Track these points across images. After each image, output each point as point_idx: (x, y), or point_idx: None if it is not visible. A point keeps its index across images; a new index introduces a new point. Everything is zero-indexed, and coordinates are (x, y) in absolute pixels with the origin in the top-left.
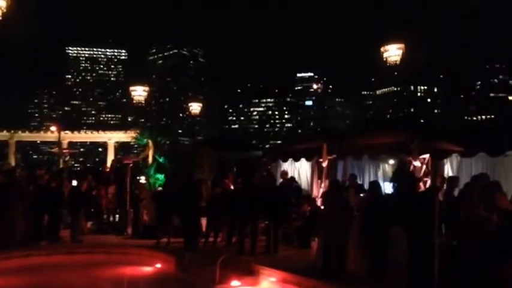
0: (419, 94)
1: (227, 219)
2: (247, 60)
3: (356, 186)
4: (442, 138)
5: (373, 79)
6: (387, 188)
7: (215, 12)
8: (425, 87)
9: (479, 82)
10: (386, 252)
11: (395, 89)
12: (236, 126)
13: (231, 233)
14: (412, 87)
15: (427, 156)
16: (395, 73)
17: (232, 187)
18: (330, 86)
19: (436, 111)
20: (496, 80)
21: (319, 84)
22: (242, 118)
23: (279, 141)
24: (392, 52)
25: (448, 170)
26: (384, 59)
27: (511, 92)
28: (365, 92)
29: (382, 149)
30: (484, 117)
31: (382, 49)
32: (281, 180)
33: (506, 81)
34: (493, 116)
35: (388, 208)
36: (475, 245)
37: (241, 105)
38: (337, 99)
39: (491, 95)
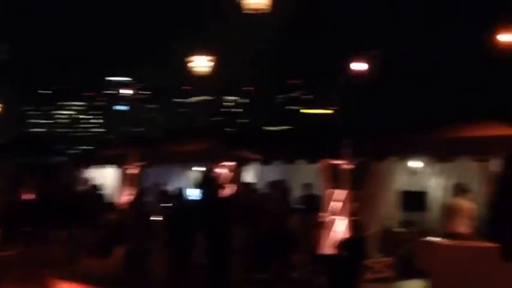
0: (230, 104)
1: (25, 230)
2: (55, 60)
3: (161, 193)
4: (245, 146)
5: (187, 87)
6: (195, 194)
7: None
8: (236, 98)
9: (281, 96)
10: (191, 256)
11: (208, 98)
12: (39, 129)
13: (29, 244)
14: (224, 97)
15: (232, 163)
16: (208, 83)
17: (31, 195)
18: (143, 92)
19: (244, 121)
20: (294, 94)
21: (132, 89)
22: (47, 121)
23: (86, 147)
24: (200, 63)
25: (250, 177)
26: (191, 69)
27: (304, 106)
28: (178, 100)
29: (191, 156)
30: (282, 127)
31: (187, 59)
32: (84, 187)
33: (302, 95)
34: (290, 127)
35: (194, 214)
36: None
37: (46, 107)
38: (149, 106)
39: (290, 107)
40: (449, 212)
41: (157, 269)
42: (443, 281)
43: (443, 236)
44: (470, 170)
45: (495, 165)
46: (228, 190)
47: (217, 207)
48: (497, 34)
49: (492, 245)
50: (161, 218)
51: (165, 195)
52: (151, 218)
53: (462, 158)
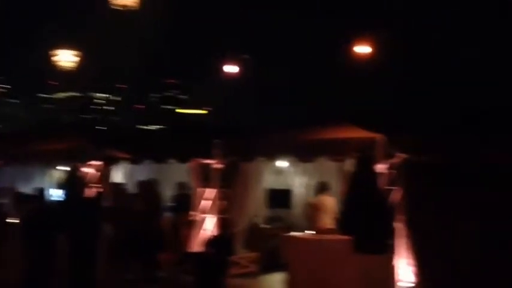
0: (100, 101)
1: None
2: None
3: (19, 195)
4: (114, 145)
5: (52, 82)
6: (58, 194)
7: None
8: (108, 95)
9: (155, 95)
10: (53, 260)
11: (76, 94)
12: None
13: None
14: (95, 94)
15: (100, 162)
16: (75, 78)
17: None
18: (3, 86)
19: (115, 119)
20: (169, 94)
21: None
22: None
23: None
24: (65, 58)
25: (119, 177)
26: (56, 64)
27: (179, 105)
28: (43, 95)
29: (54, 154)
30: (156, 126)
31: (51, 53)
32: None
33: (177, 95)
34: (163, 126)
35: (56, 215)
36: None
37: None
38: (10, 100)
39: (164, 106)
40: (313, 208)
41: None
42: (301, 273)
43: (308, 231)
44: (330, 170)
45: (350, 164)
46: (95, 190)
47: (82, 207)
48: (354, 45)
49: (345, 237)
50: (18, 221)
51: (22, 196)
52: (7, 220)
53: (321, 158)
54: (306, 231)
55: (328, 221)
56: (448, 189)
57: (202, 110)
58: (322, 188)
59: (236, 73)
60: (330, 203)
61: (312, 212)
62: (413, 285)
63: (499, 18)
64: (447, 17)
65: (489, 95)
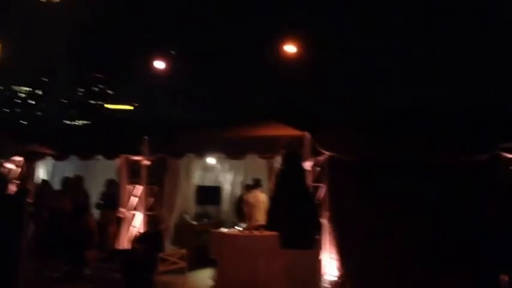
0: (22, 95)
1: None
2: None
3: None
4: (36, 140)
5: None
6: None
7: None
8: (30, 89)
9: (82, 89)
10: None
11: None
12: None
13: None
14: (15, 87)
15: (21, 158)
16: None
17: None
18: None
19: (39, 113)
20: (96, 89)
21: None
22: None
23: None
24: None
25: (43, 173)
26: None
27: (106, 100)
28: None
29: None
30: (82, 122)
31: None
32: None
33: (104, 90)
34: (89, 122)
35: None
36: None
37: None
38: None
39: (91, 102)
40: (249, 204)
41: None
42: (228, 269)
43: (238, 227)
44: (259, 167)
45: (278, 161)
46: (16, 186)
47: (4, 205)
48: (283, 44)
49: (273, 233)
50: None
51: None
52: None
53: (250, 155)
54: (236, 228)
55: (261, 217)
56: (370, 185)
57: (130, 105)
58: (255, 185)
59: (164, 69)
60: (264, 199)
61: (248, 208)
62: (336, 278)
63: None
64: (371, 17)
65: (409, 97)
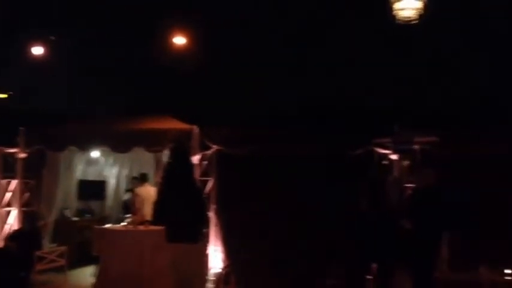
0: None
1: None
2: None
3: None
4: None
5: None
6: None
7: None
8: None
9: None
10: None
11: None
12: None
13: None
14: None
15: None
16: None
17: None
18: None
19: None
20: None
21: None
22: None
23: None
24: None
25: None
26: None
27: None
28: None
29: None
30: None
31: None
32: None
33: None
34: None
35: None
36: None
37: None
38: None
39: None
40: (139, 199)
41: None
42: (112, 265)
43: (124, 223)
44: (147, 160)
45: (166, 155)
46: None
47: None
48: (172, 37)
49: (158, 227)
50: None
51: None
52: None
53: (136, 148)
54: (121, 223)
55: (149, 211)
56: (256, 179)
57: (4, 93)
58: (141, 179)
59: (44, 55)
60: (153, 193)
61: (139, 202)
62: (221, 271)
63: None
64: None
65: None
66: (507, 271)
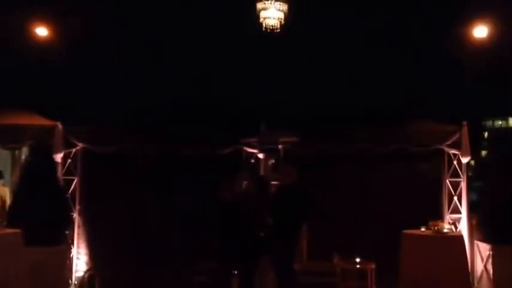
0: None
1: None
2: None
3: None
4: None
5: None
6: None
7: None
8: None
9: None
10: None
11: None
12: None
13: None
14: None
15: None
16: None
17: None
18: None
19: None
20: None
21: None
22: None
23: None
24: None
25: None
26: None
27: None
28: None
29: None
30: None
31: None
32: None
33: None
34: None
35: None
36: None
37: None
38: None
39: None
40: None
41: None
42: None
43: None
44: (2, 158)
45: (24, 153)
46: None
47: None
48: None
49: (14, 230)
50: None
51: None
52: None
53: None
54: None
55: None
56: (121, 179)
57: None
58: None
59: None
60: (6, 193)
61: None
62: (84, 273)
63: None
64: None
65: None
66: (357, 259)
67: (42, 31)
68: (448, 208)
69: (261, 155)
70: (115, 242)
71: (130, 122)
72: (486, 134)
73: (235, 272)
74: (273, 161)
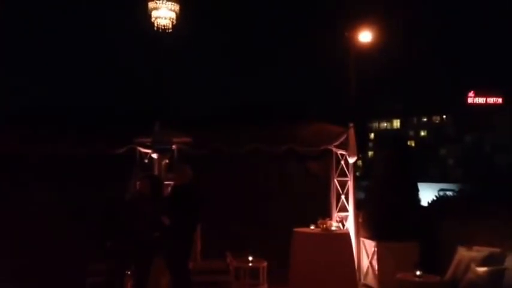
0: None
1: None
2: None
3: None
4: None
5: None
6: None
7: None
8: None
9: None
10: None
11: None
12: None
13: None
14: None
15: None
16: None
17: None
18: None
19: None
20: None
21: None
22: None
23: None
24: None
25: None
26: None
27: None
28: None
29: None
30: None
31: None
32: None
33: None
34: None
35: None
36: None
37: None
38: None
39: None
40: None
41: None
42: None
43: None
44: None
45: None
46: None
47: None
48: None
49: None
50: None
51: None
52: None
53: None
54: None
55: None
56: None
57: None
58: None
59: None
60: None
61: None
62: None
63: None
64: None
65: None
66: (250, 258)
67: None
68: (336, 207)
69: (154, 155)
70: (8, 243)
71: (22, 121)
72: (372, 135)
73: (129, 273)
74: (167, 160)
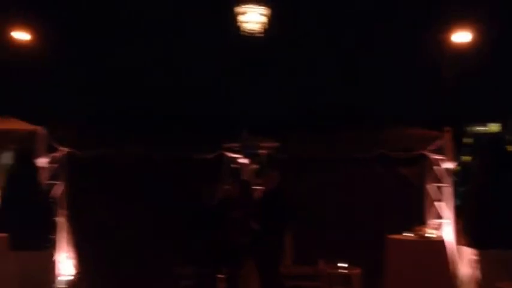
0: None
1: None
2: None
3: None
4: None
5: None
6: None
7: None
8: None
9: None
10: None
11: None
12: None
13: None
14: None
15: None
16: None
17: None
18: None
19: None
20: None
21: None
22: None
23: None
24: None
25: None
26: None
27: None
28: None
29: None
30: None
31: None
32: None
33: None
34: None
35: None
36: None
37: None
38: None
39: None
40: None
41: None
42: None
43: None
44: None
45: (8, 158)
46: None
47: None
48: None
49: (1, 235)
50: None
51: None
52: None
53: None
54: None
55: None
56: (109, 182)
57: None
58: None
59: None
60: None
61: None
62: (72, 277)
63: None
64: None
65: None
66: (341, 264)
67: (21, 35)
68: (432, 213)
69: (243, 160)
70: (103, 246)
71: (113, 124)
72: (467, 140)
73: (221, 276)
74: (256, 166)
